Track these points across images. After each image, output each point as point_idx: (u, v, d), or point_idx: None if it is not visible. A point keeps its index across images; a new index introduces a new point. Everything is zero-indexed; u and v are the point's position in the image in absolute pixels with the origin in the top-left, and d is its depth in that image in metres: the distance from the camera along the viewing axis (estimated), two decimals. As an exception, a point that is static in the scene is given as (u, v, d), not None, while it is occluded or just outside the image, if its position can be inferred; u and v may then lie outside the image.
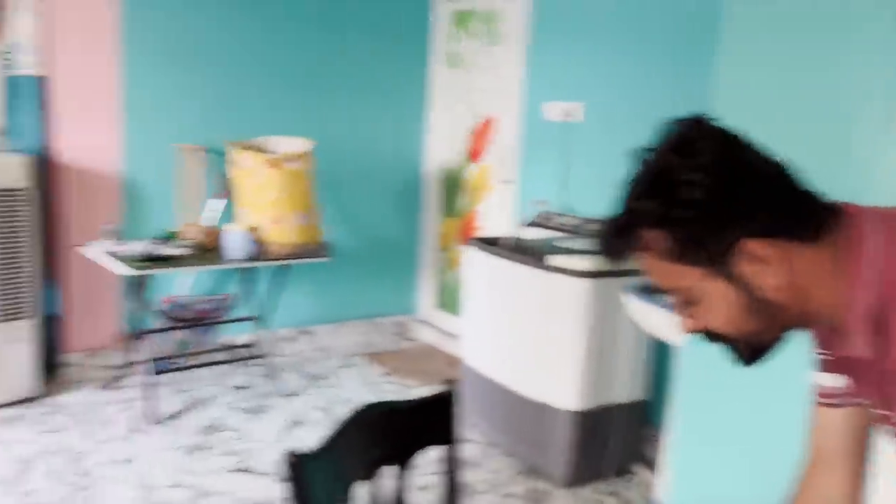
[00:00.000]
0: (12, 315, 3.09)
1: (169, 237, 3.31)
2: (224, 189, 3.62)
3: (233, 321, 3.72)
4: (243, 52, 3.77)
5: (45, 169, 3.36)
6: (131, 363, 3.40)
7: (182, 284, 3.66)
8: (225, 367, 3.73)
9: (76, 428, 3.00)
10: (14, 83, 3.52)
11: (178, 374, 3.53)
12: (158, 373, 3.27)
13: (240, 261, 3.22)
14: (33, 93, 3.39)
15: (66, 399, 3.27)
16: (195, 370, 3.60)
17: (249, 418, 3.21)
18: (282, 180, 3.27)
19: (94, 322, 3.53)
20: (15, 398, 3.16)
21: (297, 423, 3.20)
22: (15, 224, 3.05)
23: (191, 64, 3.63)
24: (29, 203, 3.11)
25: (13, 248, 3.05)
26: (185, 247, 3.21)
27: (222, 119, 3.71)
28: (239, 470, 2.75)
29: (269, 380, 3.62)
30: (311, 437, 3.04)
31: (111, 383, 3.42)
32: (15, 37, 3.52)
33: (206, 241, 3.31)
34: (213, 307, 3.63)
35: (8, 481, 2.55)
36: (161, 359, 3.43)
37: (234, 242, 3.17)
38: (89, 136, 3.43)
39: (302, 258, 3.40)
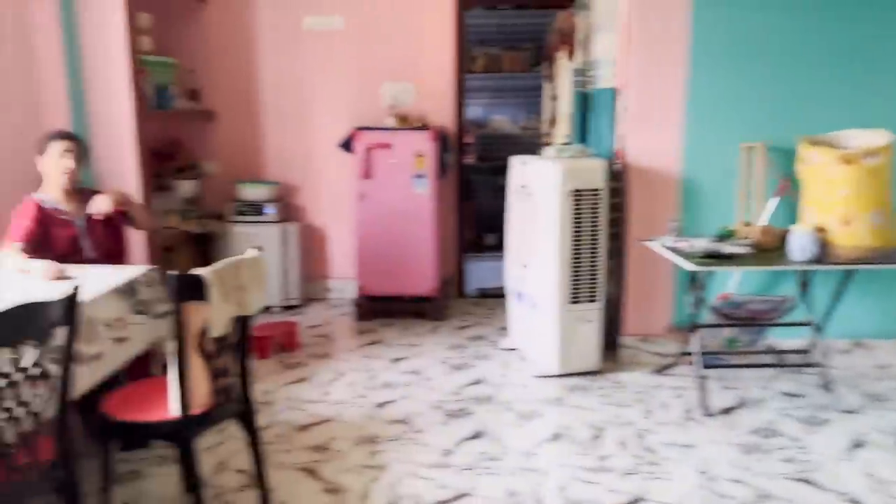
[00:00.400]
0: (586, 298, 3.57)
1: (727, 235, 3.36)
2: (783, 187, 3.50)
3: (786, 325, 3.58)
4: (811, 45, 3.57)
5: (616, 171, 3.77)
6: (682, 353, 3.59)
7: (729, 282, 3.68)
8: (770, 370, 3.63)
9: (635, 406, 3.29)
10: (593, 96, 4.05)
11: (724, 370, 3.58)
12: (706, 367, 3.36)
13: (802, 263, 3.07)
14: (609, 103, 3.84)
15: (624, 377, 3.63)
16: (741, 369, 3.60)
17: (805, 429, 3.04)
18: (856, 177, 2.99)
19: (648, 310, 3.83)
20: (582, 369, 3.65)
21: (859, 444, 2.90)
22: (594, 220, 3.51)
23: (754, 63, 3.60)
24: (603, 201, 3.54)
25: (592, 240, 3.52)
26: (744, 245, 3.21)
27: (786, 115, 3.59)
28: (800, 480, 2.63)
29: (824, 392, 3.37)
30: (880, 463, 2.73)
31: (663, 370, 3.66)
32: (594, 55, 4.04)
33: (763, 240, 3.25)
34: (769, 308, 3.55)
35: (584, 443, 2.95)
36: (709, 353, 3.53)
37: (799, 243, 3.03)
38: (653, 140, 3.71)
39: (874, 263, 3.05)
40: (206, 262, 4.84)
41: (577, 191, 3.45)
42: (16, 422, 1.72)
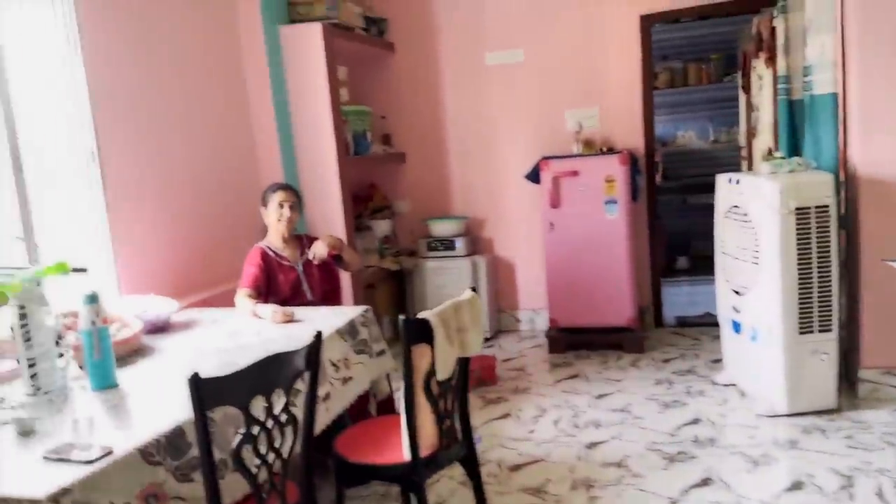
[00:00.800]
0: (818, 327, 3.20)
1: None
2: None
3: None
4: None
5: (842, 183, 3.39)
6: (941, 389, 3.10)
7: None
8: None
9: (887, 449, 2.88)
10: (804, 104, 3.68)
11: None
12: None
13: None
14: (828, 111, 3.46)
15: (868, 416, 3.20)
16: None
17: None
18: None
19: (891, 339, 3.37)
20: (816, 408, 3.26)
21: None
22: (823, 239, 3.15)
23: None
24: (833, 218, 3.17)
25: (822, 262, 3.16)
26: None
27: None
28: None
29: None
30: None
31: (917, 408, 3.19)
32: (805, 59, 3.67)
33: None
34: None
35: (832, 494, 2.60)
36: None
37: None
38: (885, 147, 3.29)
39: None
40: (403, 298, 5.01)
41: (802, 209, 3.12)
42: (267, 466, 1.80)
